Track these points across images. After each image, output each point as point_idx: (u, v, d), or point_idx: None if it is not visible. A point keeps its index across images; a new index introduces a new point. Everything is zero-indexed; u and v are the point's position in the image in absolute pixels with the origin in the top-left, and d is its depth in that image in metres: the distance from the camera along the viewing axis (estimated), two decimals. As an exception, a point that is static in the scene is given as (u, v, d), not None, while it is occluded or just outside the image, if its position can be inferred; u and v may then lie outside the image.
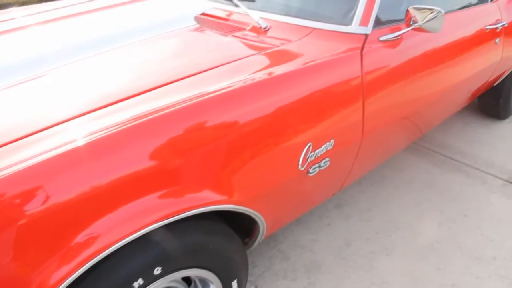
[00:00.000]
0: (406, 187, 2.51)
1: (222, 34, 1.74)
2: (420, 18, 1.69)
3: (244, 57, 1.51)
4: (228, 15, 1.90)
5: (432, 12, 1.67)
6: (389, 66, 1.71)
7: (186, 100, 1.21)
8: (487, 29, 2.33)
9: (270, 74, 1.38)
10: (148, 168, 1.10)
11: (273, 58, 1.52)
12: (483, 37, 2.32)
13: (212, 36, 1.74)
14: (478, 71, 2.39)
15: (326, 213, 2.28)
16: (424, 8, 1.68)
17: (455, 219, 2.26)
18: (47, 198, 0.96)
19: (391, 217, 2.26)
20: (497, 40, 2.42)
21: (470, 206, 2.35)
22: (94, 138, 1.05)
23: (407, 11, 1.72)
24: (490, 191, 2.49)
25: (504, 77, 2.88)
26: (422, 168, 2.68)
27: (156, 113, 1.15)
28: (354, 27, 1.67)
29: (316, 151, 1.47)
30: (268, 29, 1.73)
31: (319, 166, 1.51)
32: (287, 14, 1.77)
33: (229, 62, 1.47)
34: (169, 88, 1.31)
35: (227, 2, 1.92)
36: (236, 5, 1.86)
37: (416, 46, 1.86)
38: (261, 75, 1.38)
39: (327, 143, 1.49)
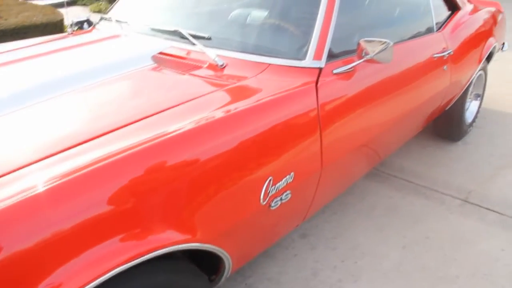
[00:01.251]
0: (368, 213, 2.55)
1: (179, 73, 1.77)
2: (371, 50, 1.76)
3: (202, 95, 1.53)
4: (186, 54, 1.93)
5: (382, 44, 1.74)
6: (344, 97, 1.77)
7: (146, 141, 1.22)
8: (435, 57, 2.44)
9: (227, 111, 1.41)
10: (109, 211, 1.09)
11: (230, 95, 1.55)
12: (432, 65, 2.44)
13: (169, 75, 1.76)
14: (430, 96, 2.50)
15: (292, 244, 2.29)
16: (374, 41, 1.76)
17: (417, 241, 2.31)
18: (5, 247, 0.94)
19: (356, 244, 2.29)
20: (445, 67, 2.54)
21: (431, 227, 2.42)
22: (53, 184, 1.04)
23: (359, 43, 1.79)
24: (449, 211, 2.57)
25: (454, 101, 3.00)
26: (383, 194, 2.74)
27: (116, 155, 1.15)
28: (308, 62, 1.72)
29: (277, 185, 1.49)
30: (224, 67, 1.77)
31: (281, 199, 1.53)
32: (243, 51, 1.82)
33: (188, 101, 1.49)
34: (128, 130, 1.32)
35: (184, 40, 1.95)
36: (193, 43, 1.89)
37: (370, 76, 1.94)
38: (219, 113, 1.40)
39: (287, 176, 1.52)
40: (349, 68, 1.79)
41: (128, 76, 1.75)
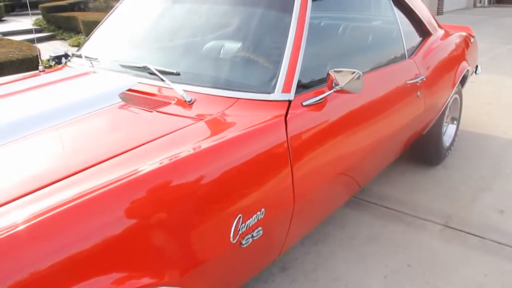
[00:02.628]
0: (349, 243, 2.51)
1: (147, 110, 1.74)
2: (341, 80, 1.76)
3: (168, 134, 1.51)
4: (155, 90, 1.90)
5: (352, 74, 1.74)
6: (315, 128, 1.76)
7: (110, 183, 1.18)
8: (408, 84, 2.45)
9: (193, 149, 1.38)
10: (69, 257, 1.05)
11: (196, 132, 1.53)
12: (406, 92, 2.45)
13: (136, 113, 1.73)
14: (405, 123, 2.50)
15: (272, 278, 2.23)
16: (344, 71, 1.76)
17: (399, 270, 2.27)
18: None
19: (337, 275, 2.25)
20: (418, 93, 2.55)
21: (413, 255, 2.38)
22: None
23: (328, 74, 1.79)
24: (430, 237, 2.54)
25: (431, 125, 3.01)
26: (363, 222, 2.71)
27: (73, 201, 1.12)
28: (277, 95, 1.71)
29: (247, 222, 1.45)
30: (193, 102, 1.75)
31: (252, 236, 1.49)
32: (211, 85, 1.80)
33: (153, 140, 1.46)
34: (90, 172, 1.28)
35: (153, 76, 1.93)
36: (162, 79, 1.86)
37: (342, 106, 1.93)
38: (184, 152, 1.37)
39: (258, 213, 1.49)
40: (319, 99, 1.78)
41: (94, 115, 1.72)
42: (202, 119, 1.61)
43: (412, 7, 2.74)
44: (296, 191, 1.64)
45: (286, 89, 1.72)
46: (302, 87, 1.83)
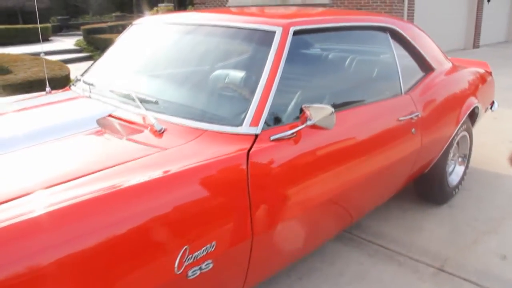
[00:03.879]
0: (336, 280, 2.44)
1: (118, 137, 1.77)
2: (314, 115, 1.74)
3: (127, 161, 1.52)
4: (133, 117, 1.93)
5: (324, 110, 1.72)
6: (283, 163, 1.74)
7: (57, 206, 1.21)
8: (401, 120, 2.40)
9: (145, 178, 1.39)
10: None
11: (155, 161, 1.54)
12: (398, 128, 2.39)
13: (106, 140, 1.77)
14: (397, 159, 2.44)
15: (248, 312, 2.19)
16: (317, 106, 1.74)
17: (382, 313, 2.19)
18: None
19: (315, 314, 2.18)
20: (413, 130, 2.49)
21: (399, 298, 2.29)
22: None
23: (301, 109, 1.77)
24: (421, 281, 2.44)
25: (433, 163, 2.92)
26: (354, 259, 2.63)
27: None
28: (244, 128, 1.71)
29: (195, 254, 1.44)
30: (163, 132, 1.76)
31: (200, 269, 1.47)
32: (182, 116, 1.82)
33: (110, 167, 1.48)
34: (28, 198, 1.30)
35: (132, 103, 1.96)
36: (138, 107, 1.90)
37: (319, 140, 1.91)
38: (135, 180, 1.38)
39: (208, 245, 1.47)
40: (290, 134, 1.77)
41: (64, 140, 1.76)
42: (164, 149, 1.62)
43: (413, 42, 2.70)
44: (255, 227, 1.61)
45: (254, 123, 1.71)
46: (277, 121, 1.82)
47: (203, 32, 2.19)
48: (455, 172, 3.32)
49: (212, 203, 1.49)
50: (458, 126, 2.95)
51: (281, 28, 1.93)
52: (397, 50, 2.59)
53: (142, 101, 1.95)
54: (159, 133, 1.76)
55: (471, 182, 3.60)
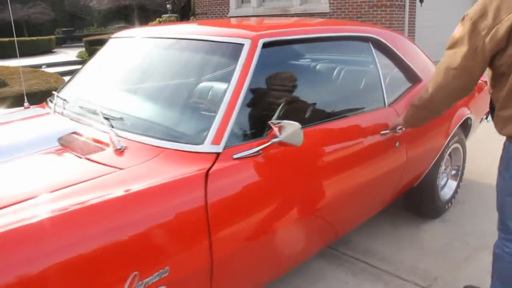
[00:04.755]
0: (318, 301, 2.34)
1: (77, 156, 1.70)
2: (281, 132, 1.66)
3: (78, 183, 1.45)
4: (97, 134, 1.86)
5: (291, 126, 1.64)
6: (247, 183, 1.65)
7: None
8: (382, 133, 2.30)
9: (94, 200, 1.33)
10: None
11: (107, 183, 1.46)
12: (379, 142, 2.29)
13: (64, 159, 1.70)
14: (379, 174, 2.34)
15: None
16: (283, 122, 1.66)
17: (363, 337, 2.08)
18: None
19: (292, 338, 2.08)
20: (397, 143, 2.39)
21: (382, 321, 2.18)
22: None
23: (268, 125, 1.69)
24: (408, 302, 2.33)
25: (422, 177, 2.81)
26: (338, 278, 2.52)
27: None
28: (205, 147, 1.62)
29: (146, 280, 1.35)
30: (123, 150, 1.68)
31: (152, 294, 1.39)
32: (143, 133, 1.75)
33: (61, 188, 1.42)
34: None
35: (99, 119, 1.89)
36: (102, 123, 1.83)
37: (289, 157, 1.82)
38: (84, 202, 1.32)
39: (161, 270, 1.39)
40: (255, 152, 1.68)
41: (23, 159, 1.69)
42: (121, 169, 1.54)
43: (398, 52, 2.60)
44: (215, 252, 1.52)
45: (216, 141, 1.63)
46: (245, 138, 1.74)
47: (173, 46, 2.13)
48: (448, 185, 3.21)
49: (165, 226, 1.41)
50: (448, 139, 2.84)
51: (249, 41, 1.85)
52: (381, 61, 2.50)
53: (108, 117, 1.87)
54: (120, 152, 1.68)
55: (466, 195, 3.48)
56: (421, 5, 9.37)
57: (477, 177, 3.82)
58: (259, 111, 1.86)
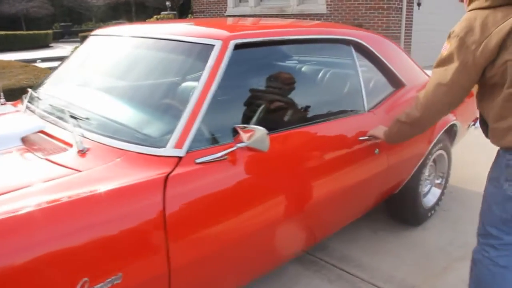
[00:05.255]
0: (291, 308, 2.30)
1: (38, 157, 1.65)
2: (246, 137, 1.62)
3: (32, 185, 1.40)
4: (63, 134, 1.81)
5: (257, 131, 1.60)
6: (210, 188, 1.60)
7: None
8: (361, 139, 2.26)
9: (46, 204, 1.29)
10: None
11: (62, 186, 1.41)
12: (357, 148, 2.25)
13: (24, 159, 1.65)
14: (357, 181, 2.29)
15: None
16: (249, 127, 1.62)
17: None
18: None
19: None
20: (376, 150, 2.35)
21: (355, 330, 2.14)
22: None
23: (234, 130, 1.65)
24: (382, 311, 2.28)
25: (404, 183, 2.77)
26: (313, 285, 2.48)
27: None
28: (167, 150, 1.58)
29: (96, 287, 1.31)
30: (86, 151, 1.64)
31: (104, 301, 1.34)
32: (105, 134, 1.70)
33: (11, 191, 1.37)
34: None
35: (66, 118, 1.85)
36: (68, 122, 1.79)
37: (257, 162, 1.77)
38: (34, 205, 1.28)
39: (114, 277, 1.34)
40: (219, 157, 1.63)
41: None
42: (79, 171, 1.50)
43: (380, 56, 2.55)
44: (173, 260, 1.47)
45: (179, 145, 1.58)
46: (213, 142, 1.69)
47: (146, 45, 2.08)
48: (432, 192, 3.16)
49: (119, 231, 1.36)
50: (431, 145, 2.80)
51: (220, 42, 1.80)
52: (362, 65, 2.45)
53: (75, 116, 1.83)
54: (82, 153, 1.64)
55: (450, 202, 3.44)
56: (419, 8, 9.32)
57: (464, 185, 3.77)
58: (228, 115, 1.81)
